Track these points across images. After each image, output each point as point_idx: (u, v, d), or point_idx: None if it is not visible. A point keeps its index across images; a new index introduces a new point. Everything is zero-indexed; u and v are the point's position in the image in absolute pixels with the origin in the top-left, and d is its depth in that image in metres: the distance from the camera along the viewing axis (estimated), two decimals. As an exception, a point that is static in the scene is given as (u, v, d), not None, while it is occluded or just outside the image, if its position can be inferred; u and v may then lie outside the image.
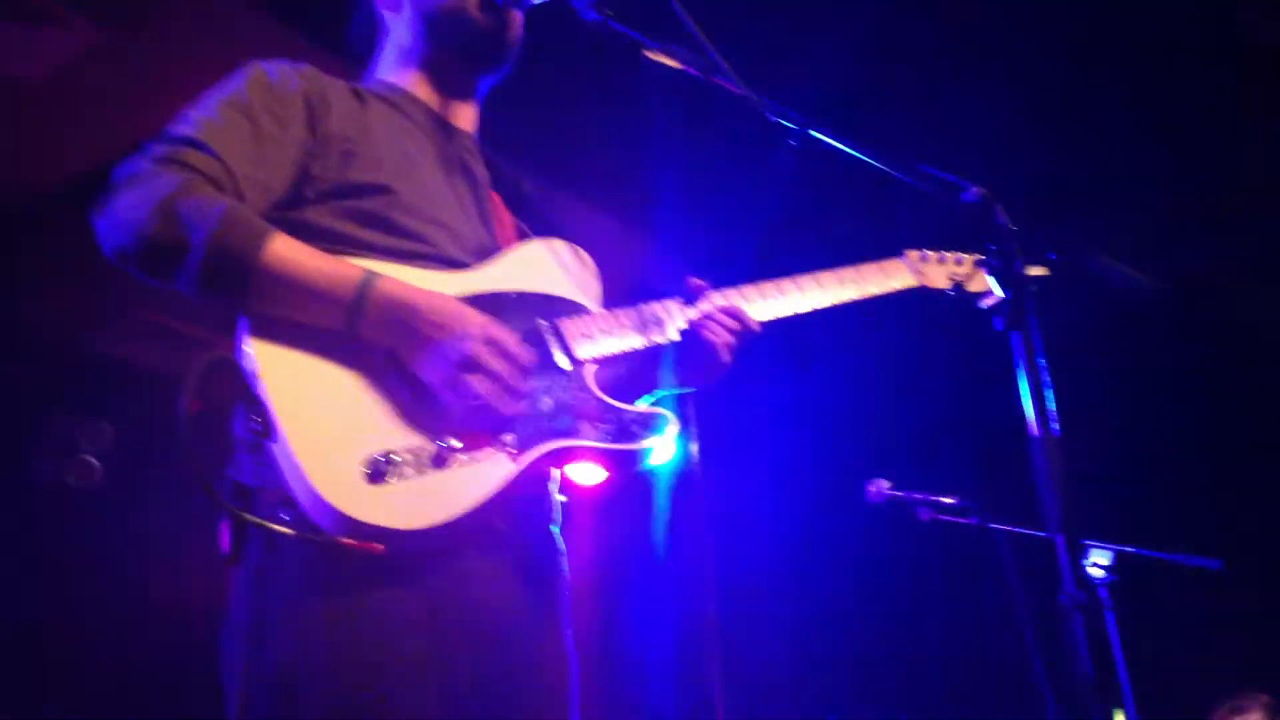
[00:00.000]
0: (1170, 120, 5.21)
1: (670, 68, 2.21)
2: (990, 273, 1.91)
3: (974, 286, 2.83)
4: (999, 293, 1.91)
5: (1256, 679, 5.30)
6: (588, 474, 2.38)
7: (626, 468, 2.32)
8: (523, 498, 2.23)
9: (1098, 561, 3.64)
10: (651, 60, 2.22)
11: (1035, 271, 1.97)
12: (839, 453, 6.38)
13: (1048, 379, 1.84)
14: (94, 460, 6.52)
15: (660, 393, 2.57)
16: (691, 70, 2.20)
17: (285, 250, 2.10)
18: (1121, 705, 1.77)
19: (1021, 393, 1.85)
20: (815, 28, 4.84)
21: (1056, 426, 1.83)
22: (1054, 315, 1.91)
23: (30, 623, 6.17)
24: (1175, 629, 5.47)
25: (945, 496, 3.78)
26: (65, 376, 6.62)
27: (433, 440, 2.08)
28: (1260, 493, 5.75)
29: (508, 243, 2.53)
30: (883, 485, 3.83)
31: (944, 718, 6.38)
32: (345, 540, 1.96)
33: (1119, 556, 3.63)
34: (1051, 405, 1.83)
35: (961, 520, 3.78)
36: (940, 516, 3.79)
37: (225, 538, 2.09)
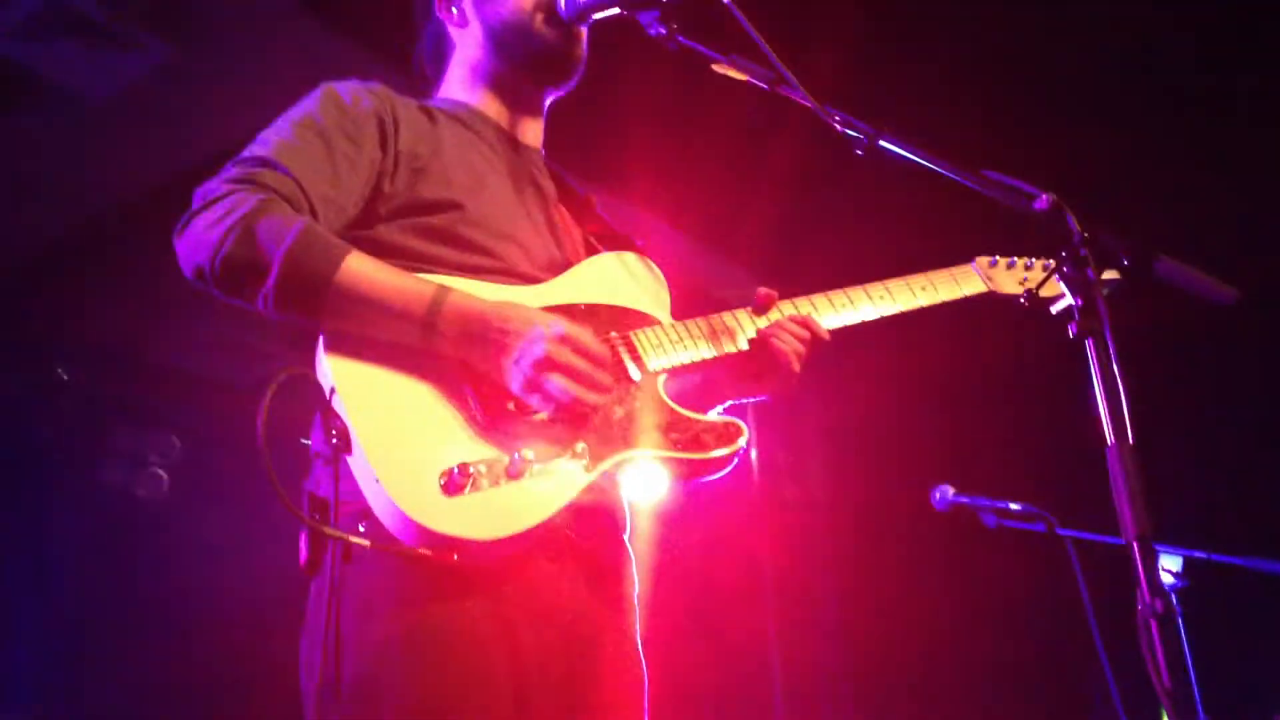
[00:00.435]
0: (1239, 117, 5.17)
1: (737, 80, 2.21)
2: (1061, 279, 1.90)
3: (1046, 292, 2.79)
4: (1071, 299, 1.91)
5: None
6: (648, 489, 2.39)
7: (697, 476, 2.34)
8: (594, 507, 2.26)
9: (1166, 567, 3.60)
10: (718, 73, 2.23)
11: (1108, 276, 1.95)
12: (904, 459, 6.36)
13: (1122, 385, 1.83)
14: (161, 471, 6.63)
15: (730, 402, 2.59)
16: (758, 82, 2.21)
17: (360, 268, 2.13)
18: (1195, 715, 1.76)
19: (1095, 398, 1.84)
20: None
21: (1131, 433, 1.82)
22: (1127, 319, 1.90)
23: (101, 629, 6.28)
24: (1246, 636, 5.39)
25: (1012, 502, 3.75)
26: (133, 388, 6.74)
27: (507, 452, 2.11)
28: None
29: (577, 256, 2.56)
30: (948, 491, 3.80)
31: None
32: (421, 551, 1.99)
33: (1188, 562, 3.60)
34: (1126, 411, 1.82)
35: (1028, 526, 3.75)
36: (1006, 522, 3.76)
37: (303, 549, 2.14)
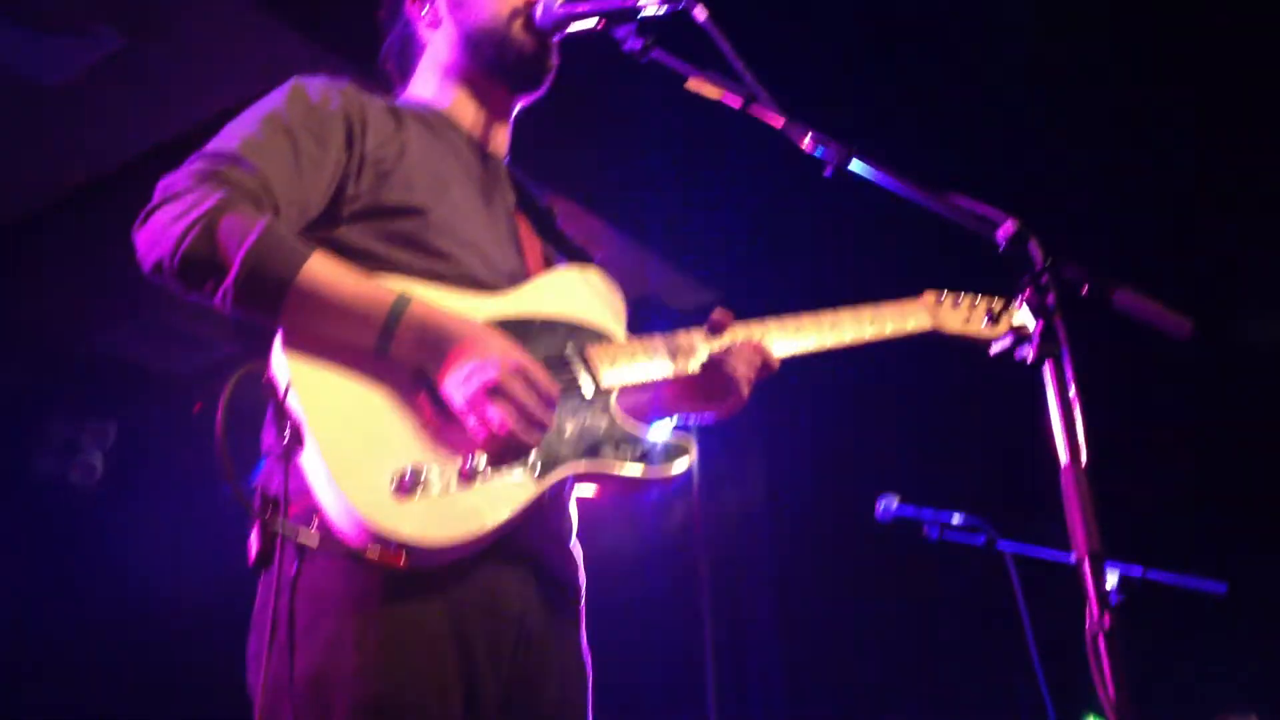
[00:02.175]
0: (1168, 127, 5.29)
1: (710, 97, 2.24)
2: (1025, 303, 1.95)
3: (988, 332, 2.88)
4: (1030, 324, 1.96)
5: (1257, 703, 5.36)
6: (590, 494, 2.43)
7: (646, 491, 2.39)
8: (543, 512, 2.28)
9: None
10: (692, 90, 2.25)
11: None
12: (847, 469, 6.42)
13: (1078, 407, 1.88)
14: (96, 459, 6.55)
15: (676, 420, 2.62)
16: (731, 99, 2.24)
17: (321, 271, 2.13)
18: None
19: (1049, 419, 1.89)
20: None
21: (1084, 454, 1.87)
22: (1079, 344, 1.95)
23: (31, 620, 6.19)
24: (1176, 652, 5.52)
25: (955, 514, 3.81)
26: (69, 376, 6.65)
27: (459, 458, 2.13)
28: (1266, 516, 5.81)
29: (536, 267, 2.57)
30: (892, 502, 3.85)
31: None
32: (369, 551, 2.00)
33: (1124, 579, 3.68)
34: (1080, 433, 1.87)
35: (970, 539, 3.81)
36: (949, 535, 3.82)
37: (253, 544, 2.14)
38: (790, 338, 2.65)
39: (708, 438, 2.40)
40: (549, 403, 2.18)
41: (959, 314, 2.91)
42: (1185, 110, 5.29)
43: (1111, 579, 3.64)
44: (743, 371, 2.52)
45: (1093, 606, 1.82)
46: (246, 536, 2.14)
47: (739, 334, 2.59)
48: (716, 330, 2.57)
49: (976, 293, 2.94)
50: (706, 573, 7.14)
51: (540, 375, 2.18)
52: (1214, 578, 3.80)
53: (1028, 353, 1.95)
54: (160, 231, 2.11)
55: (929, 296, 2.92)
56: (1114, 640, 1.83)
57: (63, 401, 6.58)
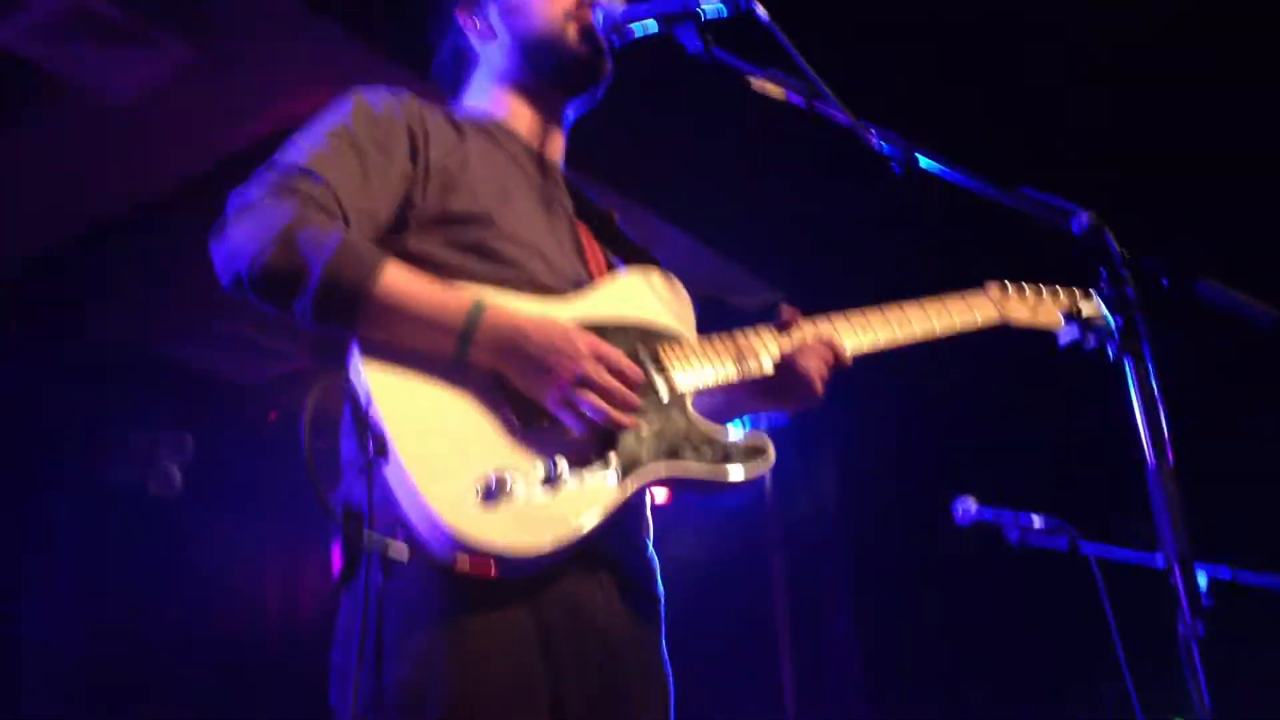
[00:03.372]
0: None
1: (774, 96, 2.21)
2: (1101, 300, 1.89)
3: (1055, 322, 2.81)
4: (1100, 312, 1.90)
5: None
6: (666, 499, 2.41)
7: (725, 495, 2.35)
8: (623, 518, 2.25)
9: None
10: (756, 90, 2.22)
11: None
12: (922, 470, 6.34)
13: (1161, 405, 1.83)
14: (175, 469, 6.63)
15: (750, 421, 2.58)
16: (796, 98, 2.21)
17: (398, 280, 2.14)
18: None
19: (1134, 418, 1.84)
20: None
21: (1171, 454, 1.81)
22: (1163, 340, 1.89)
23: (110, 632, 6.29)
24: (1266, 655, 5.38)
25: (1035, 515, 3.73)
26: (148, 386, 6.75)
27: (542, 463, 2.11)
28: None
29: (600, 273, 2.56)
30: (970, 504, 3.78)
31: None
32: (459, 562, 1.99)
33: (1212, 581, 3.58)
34: (1165, 432, 1.81)
35: (1051, 543, 3.73)
36: (1030, 538, 3.73)
37: (336, 560, 2.14)
38: (858, 334, 2.61)
39: (779, 440, 2.35)
40: (635, 383, 2.19)
41: (1025, 304, 2.86)
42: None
43: (1201, 581, 3.54)
44: (815, 368, 2.49)
45: (1185, 612, 1.76)
46: (329, 550, 2.16)
47: (808, 331, 2.55)
48: (785, 328, 2.54)
49: (1039, 283, 2.88)
50: (781, 578, 7.10)
51: (624, 360, 2.19)
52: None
53: (1094, 341, 1.90)
54: (238, 245, 2.13)
55: (993, 288, 2.86)
56: (1208, 647, 1.77)
57: (140, 412, 6.68)
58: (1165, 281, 1.89)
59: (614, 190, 2.79)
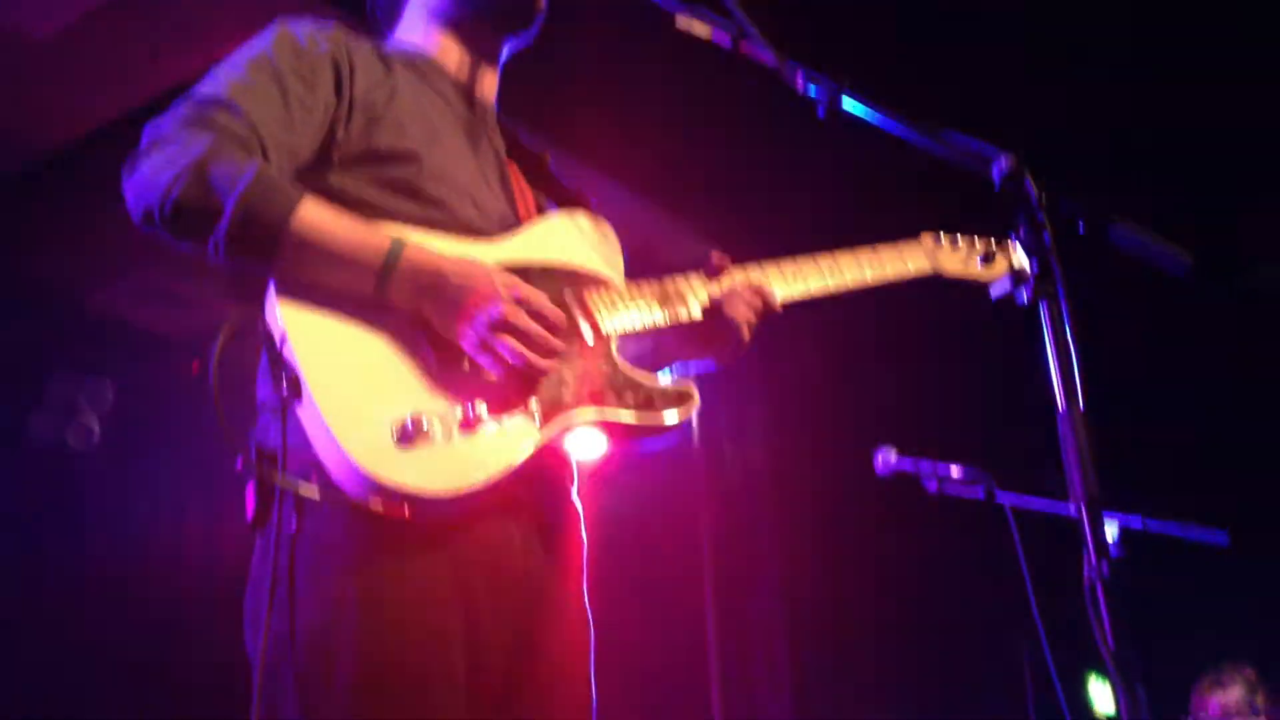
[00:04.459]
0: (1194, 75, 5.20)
1: (699, 37, 2.19)
2: (1018, 242, 1.91)
3: (987, 274, 2.85)
4: (1024, 265, 1.91)
5: (1254, 654, 5.35)
6: (588, 447, 2.39)
7: (649, 440, 2.35)
8: (544, 463, 2.24)
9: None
10: (682, 28, 2.20)
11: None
12: (851, 418, 6.39)
13: (1074, 350, 1.84)
14: (94, 421, 6.52)
15: (678, 369, 2.58)
16: (721, 39, 2.19)
17: (315, 216, 2.09)
18: (1136, 678, 1.79)
19: (1048, 363, 1.85)
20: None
21: (1082, 398, 1.83)
22: (1077, 284, 1.91)
23: (28, 584, 6.19)
24: (1178, 602, 5.51)
25: (953, 465, 3.78)
26: (66, 335, 6.62)
27: (460, 406, 2.09)
28: (1270, 467, 5.77)
29: (528, 215, 2.52)
30: (890, 455, 3.82)
31: (947, 693, 6.44)
32: (371, 504, 1.96)
33: (1124, 530, 3.65)
34: (1078, 376, 1.83)
35: (969, 491, 3.78)
36: (947, 487, 3.79)
37: (250, 502, 2.11)
38: (789, 282, 2.60)
39: (707, 396, 2.34)
40: (556, 328, 2.16)
41: (958, 255, 2.87)
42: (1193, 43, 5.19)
43: (1112, 531, 3.61)
44: (743, 315, 2.47)
45: (1091, 554, 1.79)
46: (243, 494, 2.12)
47: (738, 278, 2.54)
48: (714, 274, 2.53)
49: (974, 234, 2.89)
50: (709, 528, 7.14)
51: (545, 303, 2.16)
52: (1215, 527, 3.78)
53: (1027, 294, 1.91)
54: (150, 179, 2.06)
55: (927, 239, 2.87)
56: (1114, 590, 1.80)
57: (60, 362, 6.55)
58: (1080, 225, 1.90)
59: (545, 136, 2.74)
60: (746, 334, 2.48)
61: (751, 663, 7.00)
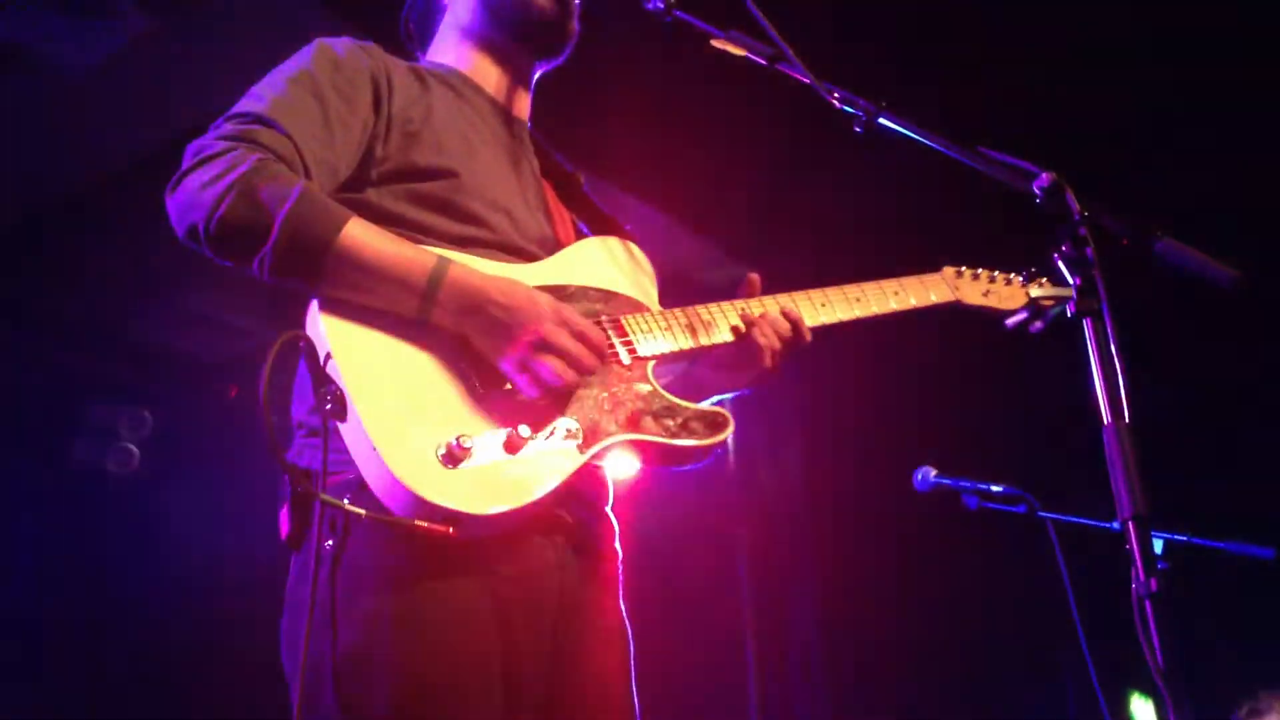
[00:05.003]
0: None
1: (735, 55, 2.20)
2: (1061, 259, 1.90)
3: (1005, 305, 2.90)
4: (1069, 279, 1.91)
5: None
6: (623, 465, 2.39)
7: (685, 463, 2.35)
8: (582, 483, 2.25)
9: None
10: (717, 49, 2.21)
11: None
12: (884, 440, 6.36)
13: (1119, 364, 1.83)
14: (133, 447, 6.58)
15: (714, 396, 2.57)
16: (757, 58, 2.20)
17: (361, 234, 2.09)
18: (1186, 694, 1.77)
19: (1093, 377, 1.85)
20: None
21: (1128, 413, 1.82)
22: (1123, 300, 1.90)
23: (69, 607, 6.23)
24: (1225, 619, 5.44)
25: (994, 484, 3.76)
26: (107, 362, 6.68)
27: (503, 426, 2.09)
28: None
29: (565, 234, 2.54)
30: (929, 473, 3.81)
31: (988, 712, 6.37)
32: (417, 523, 1.96)
33: (1168, 545, 3.62)
34: (1123, 391, 1.82)
35: (1010, 508, 3.76)
36: (988, 504, 3.77)
37: (284, 523, 2.12)
38: (818, 310, 2.62)
39: (745, 414, 2.34)
40: (597, 349, 2.17)
41: (978, 287, 2.91)
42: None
43: (1157, 546, 3.58)
44: (769, 341, 2.47)
45: (1139, 569, 1.78)
46: (277, 514, 2.13)
47: (769, 305, 2.55)
48: (747, 297, 2.55)
49: (994, 267, 2.94)
50: (745, 547, 7.12)
51: (586, 325, 2.17)
52: (1262, 544, 3.73)
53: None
54: (195, 195, 2.06)
55: (948, 270, 2.90)
56: (1160, 604, 1.78)
57: (100, 389, 6.62)
58: (1124, 241, 1.90)
59: (577, 160, 2.76)
60: (769, 360, 2.47)
61: (791, 684, 6.96)
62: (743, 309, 2.52)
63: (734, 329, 2.48)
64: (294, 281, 2.10)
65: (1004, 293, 2.90)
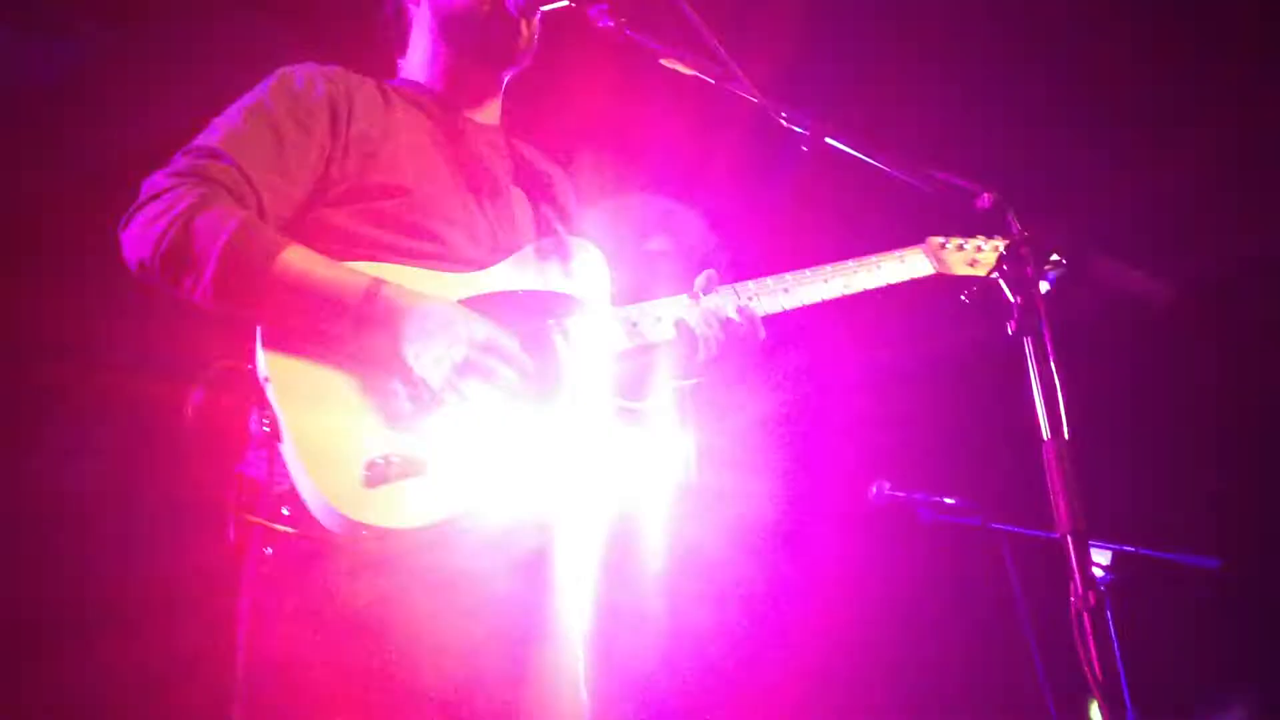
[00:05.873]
0: (1174, 108, 5.21)
1: (685, 73, 2.23)
2: (1002, 278, 1.93)
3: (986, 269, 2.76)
4: (1010, 297, 1.94)
5: (1249, 678, 5.32)
6: (572, 475, 2.42)
7: (631, 465, 2.41)
8: (520, 494, 2.27)
9: (1097, 561, 3.65)
10: (666, 67, 2.24)
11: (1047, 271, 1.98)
12: (841, 453, 6.39)
13: (1059, 381, 1.86)
14: (92, 463, 6.52)
15: (664, 388, 2.58)
16: (705, 76, 2.23)
17: (295, 261, 2.18)
18: (1124, 707, 1.80)
19: (1033, 394, 1.88)
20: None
21: (1067, 429, 1.85)
22: (1059, 315, 1.93)
23: (28, 623, 6.17)
24: (1170, 628, 5.49)
25: (947, 497, 3.80)
26: (67, 379, 6.62)
27: (430, 444, 2.14)
28: (1260, 493, 5.76)
29: (526, 238, 2.56)
30: (884, 486, 3.84)
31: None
32: (343, 538, 2.06)
33: (1116, 556, 3.66)
34: (1062, 407, 1.85)
35: (963, 521, 3.79)
36: (941, 517, 3.80)
37: (231, 529, 2.19)
38: (777, 296, 2.60)
39: (698, 422, 2.36)
40: (522, 371, 2.21)
41: (964, 256, 2.77)
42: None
43: (1104, 558, 3.62)
44: (713, 332, 2.48)
45: (1077, 583, 1.80)
46: (225, 525, 2.18)
47: (722, 300, 2.54)
48: (696, 296, 2.54)
49: (978, 234, 2.80)
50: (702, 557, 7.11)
51: (510, 346, 2.21)
52: (1206, 555, 3.78)
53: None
54: (142, 231, 2.20)
55: (933, 241, 2.79)
56: (1100, 618, 1.81)
57: (60, 404, 6.55)
58: (1060, 259, 1.93)
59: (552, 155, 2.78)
60: (710, 350, 2.48)
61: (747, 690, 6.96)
62: (691, 306, 2.53)
63: (677, 323, 2.50)
64: (234, 306, 2.20)
65: (990, 259, 2.73)
